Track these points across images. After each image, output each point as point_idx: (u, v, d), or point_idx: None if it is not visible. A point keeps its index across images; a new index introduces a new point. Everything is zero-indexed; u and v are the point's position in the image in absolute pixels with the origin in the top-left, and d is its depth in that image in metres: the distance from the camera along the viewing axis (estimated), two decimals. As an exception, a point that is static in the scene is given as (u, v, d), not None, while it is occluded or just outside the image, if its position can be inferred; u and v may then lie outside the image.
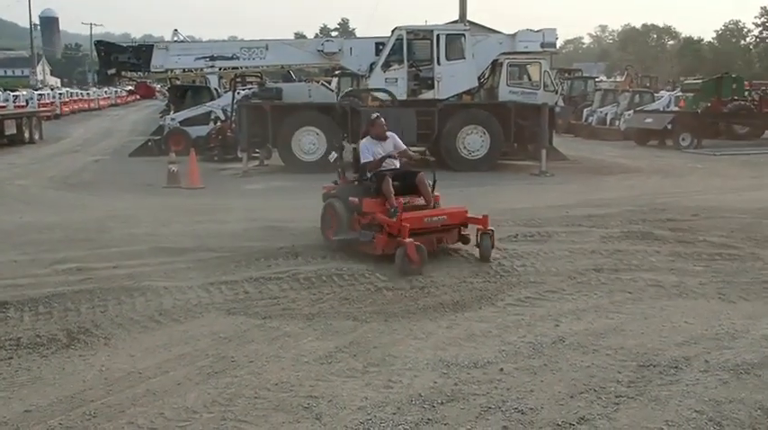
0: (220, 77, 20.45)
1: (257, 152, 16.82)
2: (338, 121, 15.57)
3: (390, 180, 7.33)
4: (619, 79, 37.20)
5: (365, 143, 7.74)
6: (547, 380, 4.31)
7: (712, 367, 4.47)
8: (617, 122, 25.22)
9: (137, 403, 4.01)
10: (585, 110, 27.54)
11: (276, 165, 16.11)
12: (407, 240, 6.71)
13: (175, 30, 20.89)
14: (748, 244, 7.92)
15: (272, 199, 11.91)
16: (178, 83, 24.06)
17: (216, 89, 20.53)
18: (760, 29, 66.15)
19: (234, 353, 4.78)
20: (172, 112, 21.60)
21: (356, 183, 7.85)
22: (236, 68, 17.67)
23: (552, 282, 6.47)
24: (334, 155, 7.94)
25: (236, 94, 18.48)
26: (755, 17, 66.56)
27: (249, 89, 19.54)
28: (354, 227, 7.48)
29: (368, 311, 5.63)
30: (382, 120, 7.92)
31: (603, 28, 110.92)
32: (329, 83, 24.21)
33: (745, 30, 72.23)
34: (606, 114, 26.21)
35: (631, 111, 24.38)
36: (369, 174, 7.61)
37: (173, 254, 7.55)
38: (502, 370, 4.47)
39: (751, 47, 70.51)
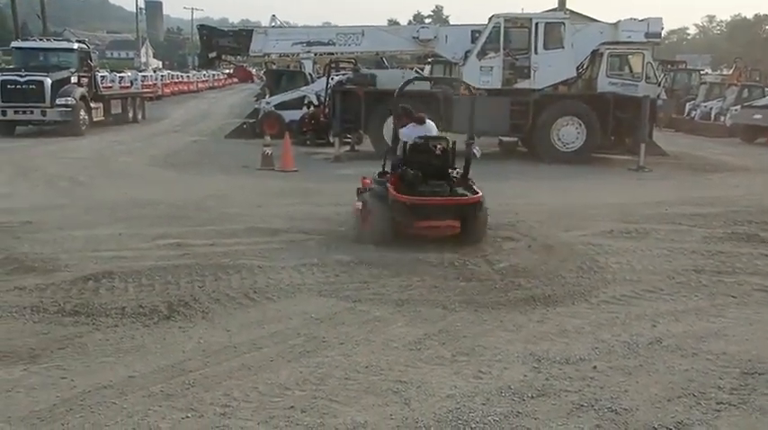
0: (315, 63, 20.77)
1: (349, 137, 17.00)
2: (432, 109, 15.50)
3: None
4: (726, 72, 35.23)
5: (408, 132, 7.82)
6: (642, 382, 4.17)
7: (825, 380, 4.19)
8: (722, 118, 23.90)
9: (232, 376, 4.17)
10: (688, 104, 26.30)
11: (367, 151, 16.22)
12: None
13: (273, 15, 21.40)
14: None
15: (362, 184, 12.01)
16: (274, 67, 24.61)
17: (310, 74, 20.86)
18: None
19: (325, 333, 4.88)
20: (267, 96, 22.14)
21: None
22: (332, 54, 17.87)
23: (649, 280, 6.25)
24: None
25: (330, 79, 18.72)
26: None
27: (343, 75, 19.73)
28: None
29: (457, 300, 5.61)
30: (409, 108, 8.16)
31: (711, 18, 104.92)
32: (422, 70, 24.13)
33: None
34: (711, 109, 24.90)
35: (739, 107, 23.00)
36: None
37: (266, 234, 7.77)
38: (595, 367, 4.35)
39: None
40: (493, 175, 13.49)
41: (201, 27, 19.12)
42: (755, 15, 76.34)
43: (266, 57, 18.79)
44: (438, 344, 4.75)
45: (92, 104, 20.49)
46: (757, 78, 31.93)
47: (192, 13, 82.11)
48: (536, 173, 14.03)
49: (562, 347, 4.69)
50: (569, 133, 15.29)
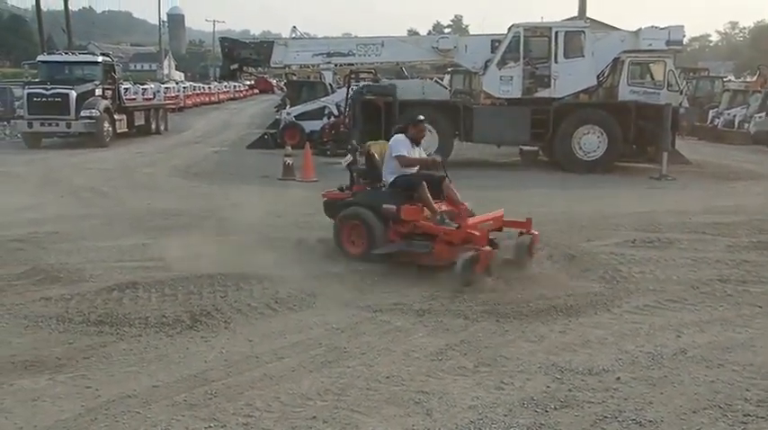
0: (335, 73, 20.91)
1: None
2: (451, 119, 15.54)
3: (426, 185, 6.79)
4: (749, 79, 34.76)
5: (400, 139, 7.09)
6: (667, 393, 4.12)
7: None
8: (746, 125, 23.58)
9: (254, 386, 4.19)
10: (711, 111, 26.01)
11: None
12: (486, 248, 6.31)
13: (294, 27, 21.53)
14: None
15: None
16: (294, 78, 24.81)
17: (330, 85, 21.00)
18: None
19: (346, 344, 4.89)
20: (288, 107, 22.31)
21: (380, 186, 7.13)
22: (352, 65, 17.99)
23: (673, 290, 6.18)
24: (348, 158, 7.21)
25: (350, 89, 18.82)
26: None
27: (363, 85, 19.83)
28: (391, 237, 6.87)
29: (479, 310, 5.59)
30: (425, 125, 7.42)
31: (734, 24, 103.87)
32: (441, 80, 24.17)
33: None
34: (734, 116, 24.59)
35: (763, 114, 22.72)
36: (392, 177, 7.03)
37: (287, 244, 7.79)
38: (618, 379, 4.31)
39: None
40: (514, 184, 13.52)
41: (223, 39, 19.36)
42: (779, 21, 75.37)
43: (287, 68, 18.99)
44: (460, 354, 4.73)
45: (115, 116, 20.82)
46: (782, 85, 31.53)
47: (214, 25, 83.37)
48: (557, 181, 13.95)
49: (585, 358, 4.65)
50: (591, 142, 15.21)
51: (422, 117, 7.36)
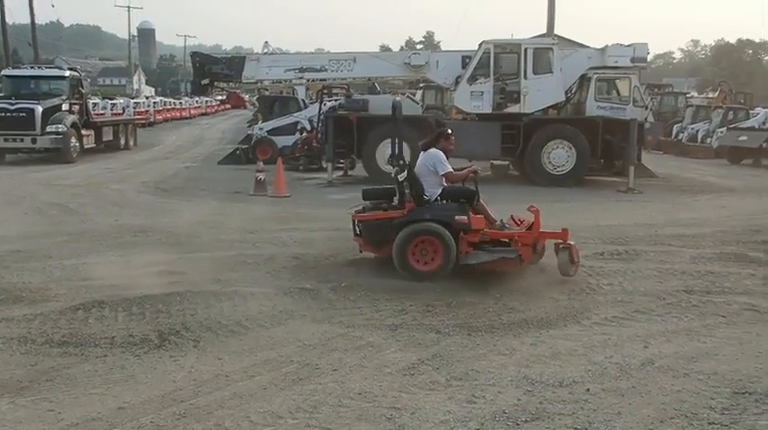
0: (307, 89, 20.94)
1: (342, 162, 17.09)
2: (423, 134, 15.61)
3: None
4: (711, 95, 35.68)
5: (441, 154, 7.12)
6: (635, 403, 4.17)
7: (814, 398, 4.21)
8: (708, 140, 24.22)
9: (224, 406, 4.14)
10: (675, 126, 26.63)
11: (360, 176, 16.30)
12: (572, 242, 6.93)
13: (266, 42, 21.51)
14: None
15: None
16: (267, 93, 24.78)
17: (303, 100, 21.02)
18: None
19: (318, 360, 4.86)
20: (260, 122, 22.26)
21: (437, 200, 7.05)
22: (324, 80, 18.03)
23: (641, 302, 6.28)
24: (404, 175, 6.85)
25: (322, 105, 18.85)
26: None
27: (335, 100, 19.89)
28: (463, 248, 6.81)
29: (451, 324, 5.61)
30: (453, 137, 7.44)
31: (696, 42, 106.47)
32: (414, 95, 24.35)
33: None
34: (697, 131, 25.21)
35: (724, 129, 23.35)
36: (437, 191, 7.02)
37: (259, 260, 7.76)
38: (588, 390, 4.36)
39: None
40: (485, 198, 13.60)
41: (194, 54, 19.28)
42: (738, 40, 77.42)
43: (259, 83, 18.93)
44: (432, 368, 4.74)
45: (83, 131, 20.55)
46: (742, 101, 32.42)
47: (185, 40, 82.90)
48: (527, 195, 14.04)
49: (555, 370, 4.69)
50: (560, 156, 15.42)
51: (450, 130, 7.46)
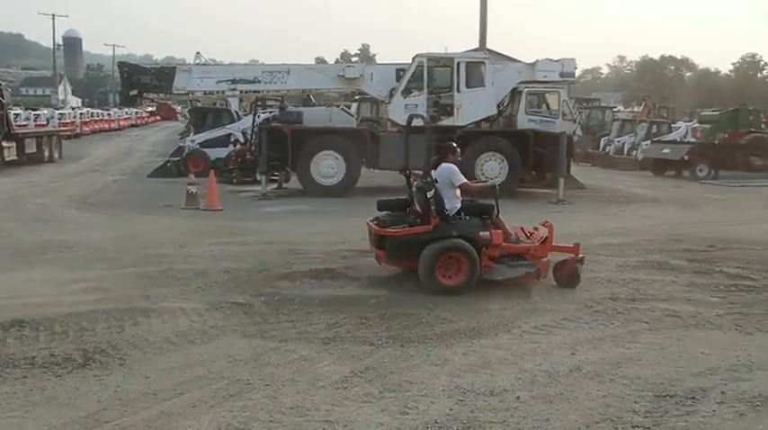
0: (241, 100, 20.71)
1: (276, 175, 16.95)
2: (358, 146, 15.69)
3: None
4: (636, 109, 37.21)
5: (455, 167, 7.32)
6: (563, 409, 4.27)
7: (729, 399, 4.43)
8: (634, 152, 25.15)
9: (151, 425, 4.02)
10: (603, 139, 27.54)
11: (295, 189, 16.21)
12: (582, 255, 7.32)
13: (198, 53, 21.23)
14: (764, 275, 7.88)
15: (289, 222, 11.97)
16: (199, 105, 24.37)
17: (236, 112, 20.77)
18: (777, 62, 65.95)
19: (249, 376, 4.78)
20: (192, 134, 21.86)
21: (458, 215, 7.17)
22: (258, 92, 17.87)
23: (569, 310, 6.44)
24: (432, 192, 6.94)
25: (256, 117, 18.68)
26: (772, 51, 66.45)
27: (270, 112, 19.73)
28: (485, 263, 7.02)
29: (384, 336, 5.62)
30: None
31: (622, 58, 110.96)
32: (349, 107, 24.41)
33: (762, 63, 72.14)
34: (623, 144, 26.17)
35: (649, 142, 24.31)
36: (455, 206, 7.17)
37: (190, 275, 7.59)
38: (518, 398, 4.43)
39: (768, 80, 70.31)
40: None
41: (122, 64, 18.81)
42: (661, 56, 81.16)
43: (190, 94, 18.61)
44: (365, 381, 4.73)
45: (4, 143, 19.80)
46: (665, 115, 33.91)
47: (114, 49, 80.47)
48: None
49: (487, 379, 4.76)
50: (492, 168, 15.72)
51: (455, 144, 7.72)
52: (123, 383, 4.64)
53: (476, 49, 23.97)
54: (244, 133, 19.57)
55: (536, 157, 15.88)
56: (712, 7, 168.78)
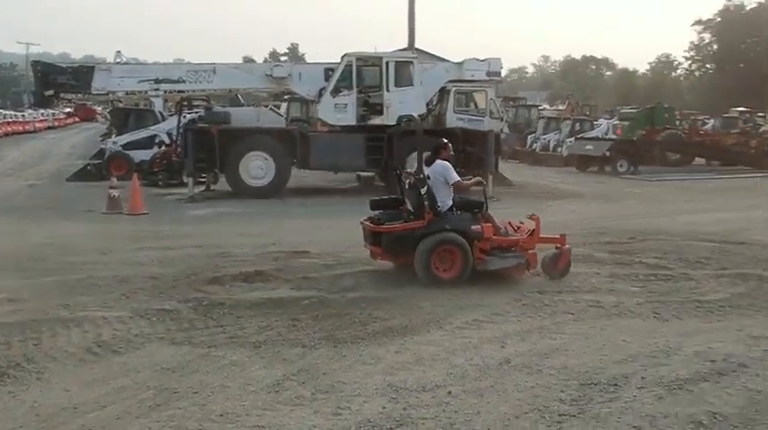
0: (166, 101, 20.15)
1: (204, 177, 16.59)
2: (287, 146, 15.54)
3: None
4: (561, 107, 38.27)
5: (449, 165, 7.52)
6: (493, 402, 4.34)
7: (649, 383, 4.60)
8: (559, 149, 25.89)
9: (71, 439, 3.85)
10: (529, 137, 28.20)
11: (223, 191, 15.91)
12: (567, 246, 7.61)
13: (118, 51, 20.56)
14: (680, 265, 8.22)
15: (218, 224, 11.74)
16: (121, 105, 23.59)
17: (161, 112, 20.20)
18: (689, 62, 69.29)
19: (177, 384, 4.64)
20: (114, 136, 21.14)
21: (451, 211, 7.35)
22: (182, 92, 17.43)
23: (498, 304, 6.54)
24: (426, 189, 7.16)
25: (182, 117, 18.24)
26: (685, 51, 69.71)
27: (196, 113, 19.29)
28: (477, 255, 7.24)
29: (316, 337, 5.57)
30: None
31: (546, 58, 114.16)
32: (278, 107, 24.15)
33: (676, 62, 75.70)
34: (549, 141, 26.89)
35: (572, 139, 25.07)
36: (448, 201, 7.35)
37: (112, 282, 7.31)
38: (450, 393, 4.47)
39: (681, 78, 73.78)
40: (349, 211, 13.71)
41: (35, 63, 18.02)
42: (583, 56, 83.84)
43: (110, 95, 17.99)
44: (297, 383, 4.66)
45: None
46: (587, 113, 35.07)
47: (27, 47, 76.92)
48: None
49: (419, 375, 4.78)
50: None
51: (446, 141, 7.86)
52: (41, 398, 4.42)
53: (404, 49, 24.14)
54: (169, 134, 19.03)
55: (465, 155, 16.09)
56: (630, 8, 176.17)
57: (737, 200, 15.73)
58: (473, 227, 7.30)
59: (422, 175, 7.40)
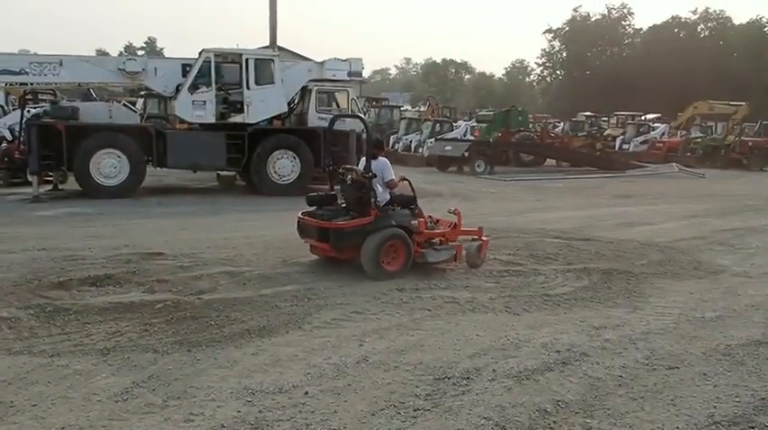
0: (8, 93, 18.58)
1: (51, 175, 15.47)
2: (142, 144, 14.85)
3: None
4: (422, 109, 39.40)
5: (389, 163, 8.13)
6: (350, 400, 4.41)
7: (499, 375, 4.87)
8: (420, 149, 26.66)
9: None
10: (392, 137, 28.79)
11: (73, 190, 14.94)
12: (486, 238, 8.44)
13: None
14: (531, 260, 8.75)
15: (66, 226, 11.00)
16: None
17: (2, 106, 18.59)
18: (541, 68, 74.03)
19: (14, 397, 4.33)
20: (-55, 131, 19.18)
21: (388, 206, 7.84)
22: (25, 84, 16.13)
23: (357, 302, 6.65)
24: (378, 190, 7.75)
25: (25, 111, 16.88)
26: (537, 57, 74.48)
27: (41, 107, 17.93)
28: (415, 249, 7.80)
29: (170, 342, 5.39)
30: None
31: (408, 60, 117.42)
32: (134, 104, 22.99)
33: (529, 68, 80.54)
34: (411, 141, 27.61)
35: (433, 139, 25.92)
36: (385, 198, 7.85)
37: (-60, 290, 6.66)
38: (307, 393, 4.50)
39: (534, 83, 78.66)
40: (212, 210, 13.39)
41: None
42: (443, 60, 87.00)
43: (-60, 86, 16.32)
44: (147, 391, 4.49)
45: None
46: (447, 114, 36.42)
47: None
48: (253, 205, 14.20)
49: (276, 377, 4.76)
50: (285, 166, 15.75)
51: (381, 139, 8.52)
52: None
53: (266, 47, 23.82)
54: (11, 130, 17.59)
55: (329, 155, 16.14)
56: (487, 15, 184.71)
57: (584, 199, 16.92)
58: (413, 222, 7.86)
59: (370, 173, 7.63)
